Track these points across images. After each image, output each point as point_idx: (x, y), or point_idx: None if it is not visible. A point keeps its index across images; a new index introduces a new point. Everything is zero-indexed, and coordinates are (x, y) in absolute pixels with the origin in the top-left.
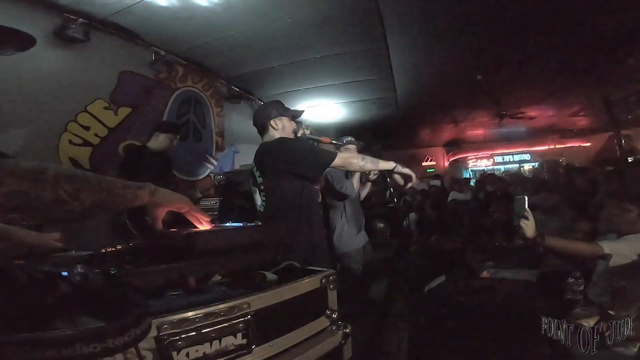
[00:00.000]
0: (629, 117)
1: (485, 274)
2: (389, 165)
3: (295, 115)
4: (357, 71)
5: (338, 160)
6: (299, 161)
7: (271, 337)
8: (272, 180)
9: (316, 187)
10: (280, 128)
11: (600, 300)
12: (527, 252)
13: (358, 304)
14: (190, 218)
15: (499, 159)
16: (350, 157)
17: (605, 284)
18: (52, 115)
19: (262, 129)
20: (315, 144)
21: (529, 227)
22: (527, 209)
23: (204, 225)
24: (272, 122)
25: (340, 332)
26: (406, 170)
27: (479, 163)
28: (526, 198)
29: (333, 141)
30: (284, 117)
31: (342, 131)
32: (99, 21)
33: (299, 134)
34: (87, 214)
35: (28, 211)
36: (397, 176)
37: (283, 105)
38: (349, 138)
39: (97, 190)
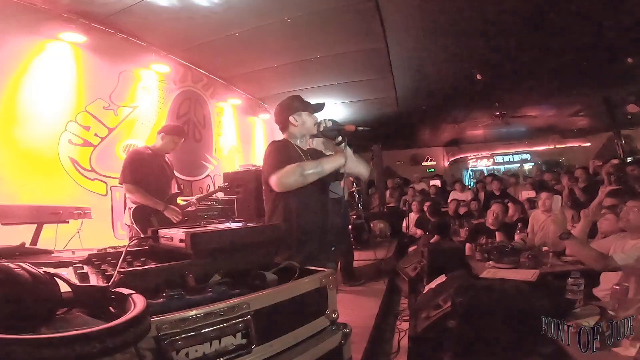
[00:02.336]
0: (629, 117)
1: (485, 274)
2: (337, 162)
3: (316, 109)
4: (357, 71)
5: (272, 180)
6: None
7: (271, 337)
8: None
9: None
10: (300, 124)
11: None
12: (527, 252)
13: None
14: None
15: (499, 159)
16: (286, 172)
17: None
18: (52, 115)
19: (283, 125)
20: (339, 136)
21: (559, 223)
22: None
23: None
24: (291, 118)
25: (340, 332)
26: (354, 167)
27: (479, 163)
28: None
29: (359, 128)
30: (303, 112)
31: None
32: (99, 21)
33: (321, 127)
34: None
35: None
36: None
37: (302, 99)
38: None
39: None
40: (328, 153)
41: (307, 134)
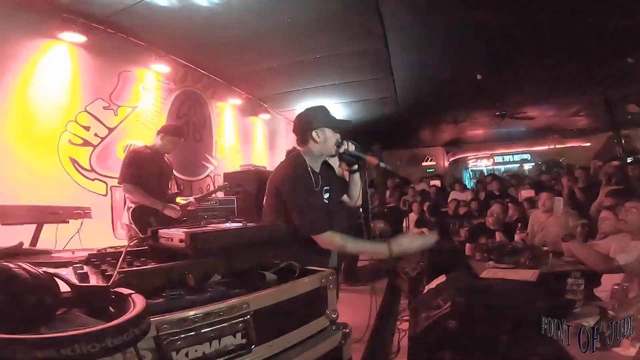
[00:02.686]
0: (629, 117)
1: (485, 274)
2: (379, 251)
3: (341, 127)
4: (357, 71)
5: (321, 240)
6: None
7: (271, 337)
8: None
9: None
10: (322, 141)
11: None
12: (527, 252)
13: None
14: None
15: (499, 159)
16: (328, 240)
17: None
18: (52, 115)
19: (302, 139)
20: (356, 164)
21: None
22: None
23: None
24: (313, 133)
25: (340, 332)
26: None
27: (479, 163)
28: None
29: (381, 163)
30: (327, 129)
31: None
32: (99, 21)
33: (342, 150)
34: None
35: None
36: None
37: (328, 113)
38: None
39: None
40: (336, 166)
41: (325, 154)
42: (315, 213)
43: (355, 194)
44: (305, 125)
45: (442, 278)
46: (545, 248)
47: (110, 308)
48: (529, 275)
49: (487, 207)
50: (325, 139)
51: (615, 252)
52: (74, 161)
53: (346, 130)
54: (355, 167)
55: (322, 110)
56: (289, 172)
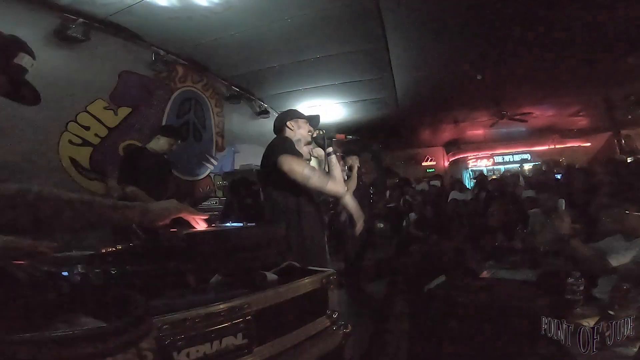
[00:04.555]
0: (629, 117)
1: (485, 274)
2: (338, 189)
3: (312, 121)
4: (357, 71)
5: (281, 163)
6: (264, 156)
7: (272, 337)
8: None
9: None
10: (295, 129)
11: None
12: (527, 252)
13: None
14: (188, 220)
15: (499, 159)
16: (294, 164)
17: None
18: (52, 115)
19: (279, 132)
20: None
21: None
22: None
23: (201, 225)
24: (288, 123)
25: (341, 332)
26: (353, 208)
27: (479, 163)
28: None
29: (348, 136)
30: (300, 119)
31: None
32: (99, 21)
33: (314, 134)
34: (71, 232)
35: (10, 231)
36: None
37: (299, 112)
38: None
39: (79, 212)
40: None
41: (302, 140)
42: (282, 147)
43: (337, 175)
44: (281, 120)
45: (442, 278)
46: (545, 248)
47: (112, 308)
48: (529, 275)
49: (487, 207)
50: (299, 127)
51: (610, 254)
52: (74, 161)
53: (317, 122)
54: (330, 149)
55: (294, 110)
56: (277, 141)
